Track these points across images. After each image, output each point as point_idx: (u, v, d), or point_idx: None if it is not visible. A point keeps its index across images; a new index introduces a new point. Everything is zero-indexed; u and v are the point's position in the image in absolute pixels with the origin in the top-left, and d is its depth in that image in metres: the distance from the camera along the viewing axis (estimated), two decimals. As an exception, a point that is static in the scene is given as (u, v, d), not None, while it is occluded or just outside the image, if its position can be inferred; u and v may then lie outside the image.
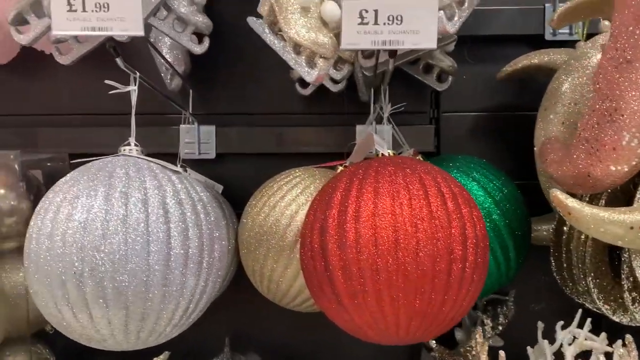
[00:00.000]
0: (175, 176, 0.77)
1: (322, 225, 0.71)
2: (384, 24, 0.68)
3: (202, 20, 0.92)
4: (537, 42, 1.10)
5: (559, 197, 0.70)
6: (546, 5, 1.09)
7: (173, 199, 0.71)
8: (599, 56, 0.88)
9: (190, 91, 1.11)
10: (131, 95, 0.80)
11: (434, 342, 1.06)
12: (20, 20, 0.83)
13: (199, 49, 0.94)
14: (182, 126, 1.14)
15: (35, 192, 1.07)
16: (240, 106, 1.16)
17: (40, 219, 0.70)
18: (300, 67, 0.72)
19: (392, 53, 0.71)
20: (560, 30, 1.08)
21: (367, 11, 0.67)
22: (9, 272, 1.01)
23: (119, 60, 0.75)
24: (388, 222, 0.67)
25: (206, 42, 0.95)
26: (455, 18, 0.74)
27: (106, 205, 0.68)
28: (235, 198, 1.09)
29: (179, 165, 0.91)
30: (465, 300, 0.71)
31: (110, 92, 0.79)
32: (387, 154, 0.79)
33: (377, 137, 0.80)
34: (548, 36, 1.10)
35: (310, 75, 0.72)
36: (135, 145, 0.81)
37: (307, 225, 0.74)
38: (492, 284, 0.91)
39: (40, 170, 1.11)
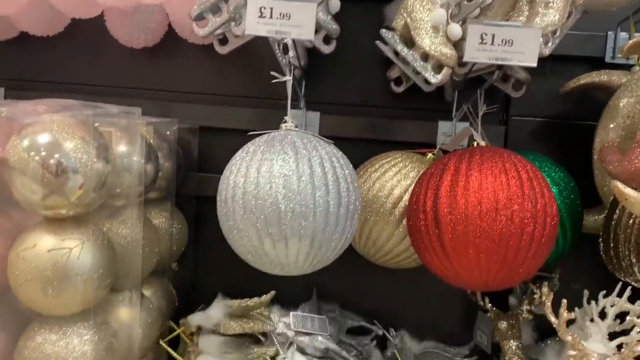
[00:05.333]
0: (332, 147, 0.99)
1: (435, 194, 0.93)
2: (498, 45, 0.90)
3: (334, 27, 1.14)
4: (598, 63, 1.31)
5: (619, 186, 0.92)
6: (608, 32, 1.30)
7: (337, 162, 0.94)
8: (653, 80, 1.10)
9: (304, 81, 1.34)
10: (287, 84, 1.02)
11: (489, 304, 1.28)
12: (200, 17, 1.06)
13: (327, 50, 1.16)
14: (292, 110, 1.36)
15: (155, 157, 1.17)
16: (341, 98, 1.39)
17: (244, 173, 0.91)
18: (427, 72, 0.95)
19: (500, 66, 0.93)
20: (618, 55, 1.29)
21: (486, 34, 0.90)
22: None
23: (287, 57, 0.98)
24: (491, 195, 0.89)
25: (333, 44, 1.17)
26: (550, 43, 0.96)
27: (297, 165, 0.90)
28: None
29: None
30: (539, 260, 0.93)
31: (273, 81, 1.02)
32: (483, 144, 1.02)
33: (473, 131, 1.03)
34: (608, 59, 1.30)
35: (436, 79, 0.94)
36: (292, 122, 1.02)
37: (420, 192, 0.97)
38: (551, 256, 1.12)
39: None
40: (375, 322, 1.37)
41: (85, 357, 0.91)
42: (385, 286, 1.42)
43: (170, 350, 1.13)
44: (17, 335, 0.96)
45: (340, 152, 1.01)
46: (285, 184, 0.89)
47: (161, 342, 1.16)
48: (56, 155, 0.86)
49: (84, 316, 0.95)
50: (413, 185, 1.11)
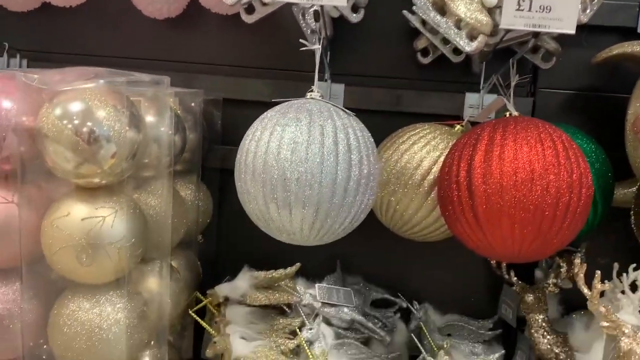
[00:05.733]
0: (351, 118, 0.98)
1: (469, 164, 0.92)
2: (536, 11, 0.88)
3: (363, -4, 1.12)
4: (630, 33, 1.28)
5: (657, 157, 0.90)
6: (641, 2, 1.27)
7: (353, 134, 0.93)
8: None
9: (329, 52, 1.32)
10: (316, 52, 1.01)
11: (515, 278, 1.27)
12: (227, -14, 1.04)
13: (355, 19, 1.14)
14: (316, 82, 1.35)
15: (182, 128, 1.17)
16: (366, 70, 1.37)
17: (257, 138, 0.92)
18: (462, 39, 0.93)
19: (536, 34, 0.91)
20: (651, 25, 1.26)
21: (523, 0, 0.87)
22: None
23: (317, 25, 0.96)
24: (526, 164, 0.88)
25: (361, 13, 1.15)
26: (588, 10, 0.93)
27: (308, 133, 0.90)
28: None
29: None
30: (573, 231, 0.93)
31: (301, 49, 1.01)
32: (515, 114, 1.00)
33: (506, 101, 1.01)
34: (640, 29, 1.28)
35: (471, 47, 0.92)
36: (318, 92, 1.01)
37: (453, 163, 0.96)
38: (581, 230, 1.11)
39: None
40: (399, 294, 1.37)
41: (119, 325, 0.92)
42: (408, 259, 1.42)
43: (200, 320, 1.13)
44: (49, 303, 0.97)
45: (361, 125, 0.99)
46: (293, 151, 0.89)
47: (190, 312, 1.17)
48: (89, 124, 0.86)
49: (116, 285, 0.95)
50: (443, 156, 1.10)
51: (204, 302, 1.22)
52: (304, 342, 1.08)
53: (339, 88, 1.36)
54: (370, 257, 1.43)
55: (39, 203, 0.94)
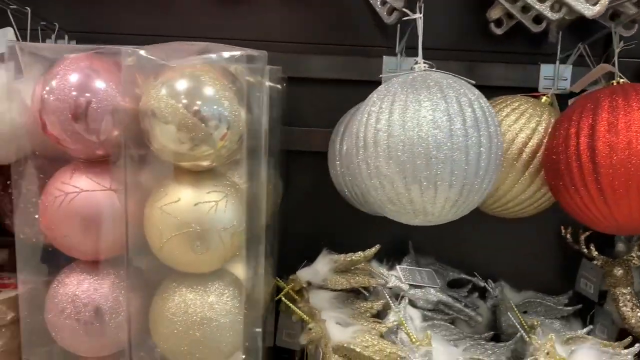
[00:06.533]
0: (474, 88, 0.93)
1: (591, 134, 0.89)
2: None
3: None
4: None
5: None
6: None
7: (484, 103, 0.88)
8: None
9: (398, 26, 1.26)
10: (417, 22, 0.96)
11: (595, 252, 1.25)
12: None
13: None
14: (385, 57, 1.30)
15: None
16: (436, 42, 1.32)
17: (387, 116, 0.86)
18: (581, 4, 0.89)
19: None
20: None
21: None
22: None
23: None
24: (656, 132, 0.85)
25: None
26: None
27: (446, 107, 0.85)
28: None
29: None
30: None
31: (404, 19, 0.96)
32: (622, 82, 0.97)
33: (613, 68, 0.97)
34: None
35: (592, 11, 0.88)
36: (425, 64, 0.96)
37: (569, 133, 0.92)
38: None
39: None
40: (476, 274, 1.34)
41: (230, 316, 0.87)
42: (476, 236, 1.39)
43: (293, 307, 1.08)
44: (145, 294, 0.91)
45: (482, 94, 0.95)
46: (435, 127, 0.84)
47: (281, 298, 1.13)
48: (199, 102, 0.80)
49: (221, 273, 0.90)
50: (539, 127, 1.06)
51: (287, 289, 1.18)
52: (405, 324, 1.04)
53: (410, 62, 1.30)
54: (439, 237, 1.39)
55: (135, 189, 0.88)
